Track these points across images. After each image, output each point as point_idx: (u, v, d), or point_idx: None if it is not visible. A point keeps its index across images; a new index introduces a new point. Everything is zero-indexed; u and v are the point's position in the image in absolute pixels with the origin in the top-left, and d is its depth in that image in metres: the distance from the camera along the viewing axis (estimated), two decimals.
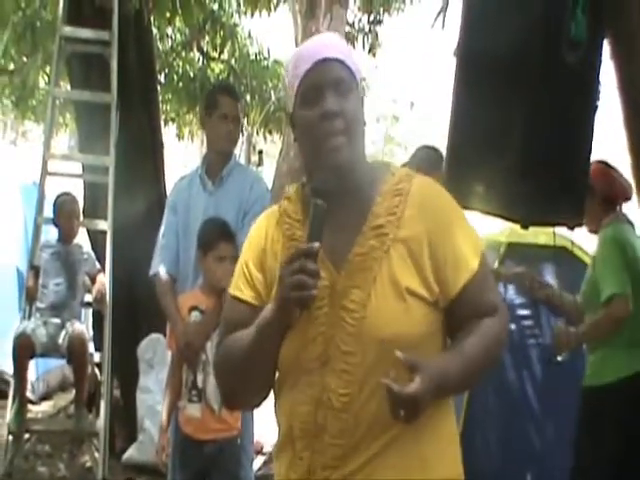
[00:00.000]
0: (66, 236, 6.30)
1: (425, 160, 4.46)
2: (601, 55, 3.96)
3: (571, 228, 4.27)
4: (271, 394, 2.22)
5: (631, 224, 4.49)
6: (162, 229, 4.59)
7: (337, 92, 2.10)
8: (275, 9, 11.39)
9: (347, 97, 2.11)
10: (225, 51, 13.78)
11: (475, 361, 2.08)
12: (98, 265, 6.33)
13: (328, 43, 2.17)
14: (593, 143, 4.01)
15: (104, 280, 6.19)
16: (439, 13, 4.78)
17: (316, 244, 1.99)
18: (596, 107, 3.98)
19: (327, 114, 2.09)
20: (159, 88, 10.53)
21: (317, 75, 2.11)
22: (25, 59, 12.42)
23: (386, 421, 2.00)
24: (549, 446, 5.27)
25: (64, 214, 6.26)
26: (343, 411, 2.05)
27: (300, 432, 2.09)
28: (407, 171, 2.21)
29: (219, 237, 4.08)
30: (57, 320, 6.06)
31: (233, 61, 14.04)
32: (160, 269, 4.46)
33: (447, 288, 2.09)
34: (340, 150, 2.09)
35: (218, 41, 13.22)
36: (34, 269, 6.22)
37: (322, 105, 2.09)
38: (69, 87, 7.65)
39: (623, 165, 4.54)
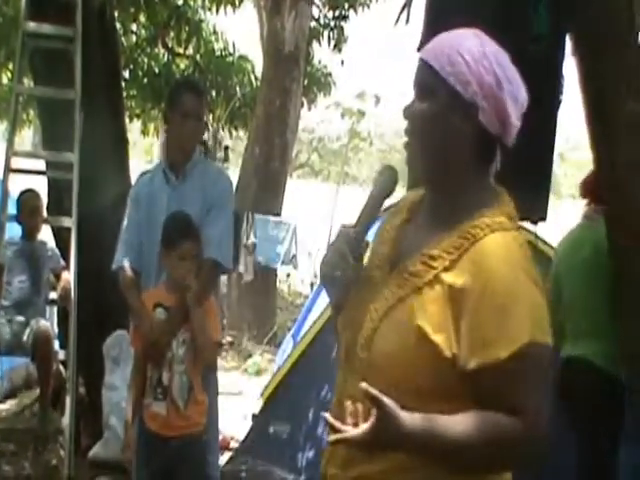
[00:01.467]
0: (29, 233, 6.26)
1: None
2: (564, 50, 3.99)
3: (535, 222, 4.30)
4: None
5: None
6: (124, 223, 4.56)
7: (415, 93, 2.07)
8: (240, 5, 11.36)
9: (422, 99, 2.04)
10: (190, 47, 13.72)
11: (465, 445, 1.87)
12: (62, 262, 6.30)
13: (437, 41, 2.07)
14: (556, 137, 4.05)
15: (69, 277, 6.15)
16: (403, 8, 4.78)
17: (351, 229, 2.06)
18: (559, 101, 4.01)
19: (404, 110, 2.08)
20: (124, 84, 10.48)
21: (415, 72, 2.09)
22: None
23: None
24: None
25: (27, 211, 6.23)
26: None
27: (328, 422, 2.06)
28: (497, 221, 1.99)
29: (181, 235, 4.05)
30: (21, 318, 6.03)
31: (198, 57, 13.97)
32: (124, 263, 4.44)
33: (460, 359, 1.91)
34: (407, 150, 2.09)
35: (183, 37, 13.16)
36: None
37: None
38: (32, 83, 7.59)
39: (586, 160, 4.57)
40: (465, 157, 2.03)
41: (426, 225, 2.09)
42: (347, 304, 2.13)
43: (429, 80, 2.02)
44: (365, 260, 2.17)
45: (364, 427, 1.83)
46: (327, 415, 1.88)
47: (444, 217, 2.04)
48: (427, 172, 2.08)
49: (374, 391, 1.82)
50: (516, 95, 2.02)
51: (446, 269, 1.96)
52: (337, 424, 1.85)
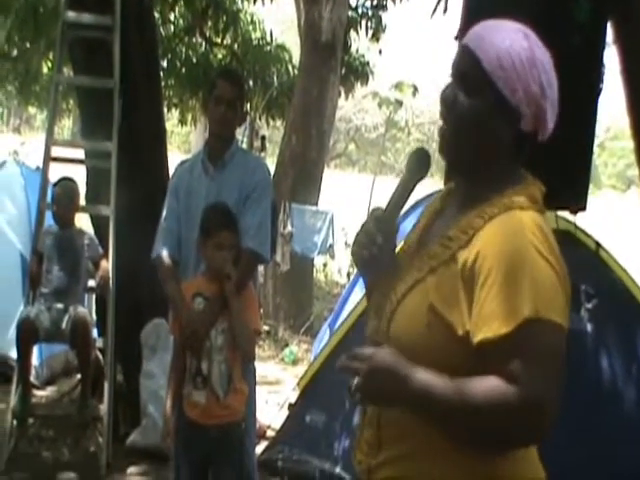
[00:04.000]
0: (63, 221, 6.30)
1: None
2: (604, 38, 3.95)
3: (574, 212, 4.27)
4: None
5: None
6: (164, 213, 4.59)
7: (458, 83, 2.04)
8: None
9: (467, 94, 2.01)
10: (228, 36, 13.76)
11: (462, 401, 1.86)
12: (101, 250, 6.33)
13: (487, 34, 2.03)
14: (596, 126, 4.01)
15: (107, 265, 6.19)
16: None
17: (382, 211, 2.08)
18: (600, 90, 3.97)
19: (442, 94, 2.08)
20: (162, 73, 10.52)
21: (455, 57, 2.08)
22: (28, 45, 12.43)
23: (405, 428, 1.99)
24: (552, 433, 5.27)
25: (59, 199, 6.27)
26: None
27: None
28: (514, 200, 2.00)
29: (220, 225, 4.06)
30: (60, 305, 6.07)
31: (236, 46, 14.01)
32: (162, 252, 4.46)
33: (469, 331, 1.92)
34: (441, 136, 2.08)
35: (221, 26, 13.20)
36: (37, 255, 6.22)
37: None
38: (72, 73, 7.64)
39: (627, 150, 4.53)
40: (498, 156, 2.05)
41: (452, 212, 2.11)
42: (377, 287, 2.16)
43: (476, 75, 2.00)
44: (397, 249, 2.19)
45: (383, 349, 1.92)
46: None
47: (468, 203, 2.06)
48: (458, 164, 2.09)
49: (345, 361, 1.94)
50: (555, 99, 2.03)
51: (461, 247, 1.98)
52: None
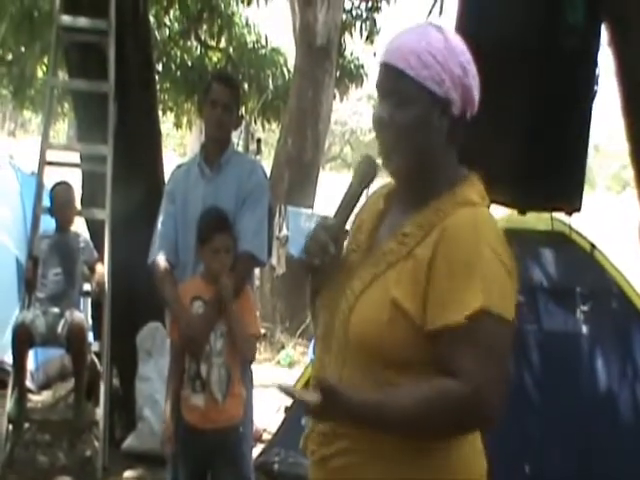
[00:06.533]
0: (62, 225, 6.29)
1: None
2: (599, 40, 3.96)
3: (569, 213, 4.28)
4: None
5: None
6: (160, 217, 4.59)
7: (389, 101, 2.08)
8: None
9: (401, 107, 2.06)
10: (223, 40, 13.76)
11: (405, 412, 1.95)
12: (96, 254, 6.32)
13: (402, 43, 2.07)
14: (591, 128, 4.01)
15: (103, 270, 6.18)
16: (435, 1, 4.76)
17: (330, 219, 2.13)
18: (595, 92, 3.98)
19: (374, 118, 2.12)
20: (157, 77, 10.52)
21: (378, 78, 2.12)
22: (23, 49, 12.42)
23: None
24: (549, 435, 5.28)
25: (59, 203, 6.26)
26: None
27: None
28: (467, 197, 2.08)
29: (214, 229, 4.07)
30: (56, 310, 6.06)
31: (231, 50, 14.02)
32: (159, 256, 4.46)
33: (425, 322, 1.99)
34: (384, 160, 2.12)
35: (216, 30, 13.20)
36: (33, 259, 6.20)
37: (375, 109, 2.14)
38: (67, 77, 7.63)
39: (621, 151, 4.53)
40: (440, 147, 2.11)
41: (400, 210, 2.16)
42: (324, 288, 2.20)
43: (404, 86, 2.05)
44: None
45: (315, 396, 1.96)
46: (280, 385, 2.04)
47: (417, 200, 2.11)
48: (405, 169, 2.12)
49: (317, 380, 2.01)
50: (474, 72, 2.10)
51: (418, 243, 2.04)
52: (296, 392, 2.07)
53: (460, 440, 2.05)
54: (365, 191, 2.20)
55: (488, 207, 2.13)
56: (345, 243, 2.21)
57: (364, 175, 2.19)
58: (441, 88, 2.03)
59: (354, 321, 2.07)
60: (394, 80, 2.06)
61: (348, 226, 2.22)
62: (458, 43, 2.09)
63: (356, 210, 2.23)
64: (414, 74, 2.03)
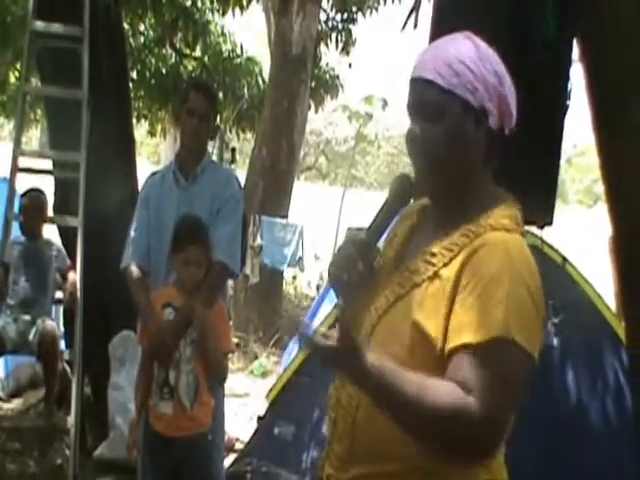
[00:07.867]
0: (30, 232, 6.27)
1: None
2: (571, 55, 4.00)
3: (541, 227, 4.31)
4: None
5: None
6: (134, 224, 4.59)
7: (419, 116, 2.01)
8: (247, 6, 11.39)
9: (432, 121, 1.98)
10: (198, 48, 13.75)
11: (420, 398, 1.84)
12: (69, 261, 6.31)
13: (430, 55, 2.01)
14: (563, 142, 4.05)
15: (75, 277, 6.16)
16: (410, 13, 4.79)
17: (361, 233, 2.03)
18: (567, 107, 4.01)
19: (407, 136, 2.05)
20: (131, 84, 10.49)
21: (407, 97, 2.05)
22: None
23: (378, 447, 1.97)
24: (517, 447, 5.28)
25: (27, 210, 6.24)
26: (347, 413, 2.03)
27: (327, 419, 2.05)
28: (500, 222, 1.98)
29: (188, 240, 4.06)
30: (27, 317, 6.04)
31: (206, 58, 14.01)
32: (132, 262, 4.46)
33: (445, 342, 1.90)
34: (417, 178, 2.06)
35: (191, 38, 13.19)
36: (4, 266, 6.17)
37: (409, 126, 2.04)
38: (40, 83, 7.60)
39: (593, 165, 4.58)
40: (476, 165, 2.03)
41: (431, 229, 2.09)
42: (351, 307, 2.10)
43: (436, 98, 1.96)
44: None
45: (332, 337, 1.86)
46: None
47: (449, 219, 2.03)
48: (441, 187, 2.05)
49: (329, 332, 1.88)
50: (511, 85, 2.03)
51: (445, 265, 1.96)
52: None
53: (482, 466, 1.96)
54: (400, 209, 2.13)
55: (523, 235, 2.03)
56: (376, 261, 2.13)
57: (398, 192, 2.10)
58: (474, 97, 1.95)
59: (375, 339, 2.00)
60: (423, 92, 1.98)
61: (380, 243, 2.14)
62: (491, 52, 2.02)
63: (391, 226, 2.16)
64: (444, 83, 1.95)
